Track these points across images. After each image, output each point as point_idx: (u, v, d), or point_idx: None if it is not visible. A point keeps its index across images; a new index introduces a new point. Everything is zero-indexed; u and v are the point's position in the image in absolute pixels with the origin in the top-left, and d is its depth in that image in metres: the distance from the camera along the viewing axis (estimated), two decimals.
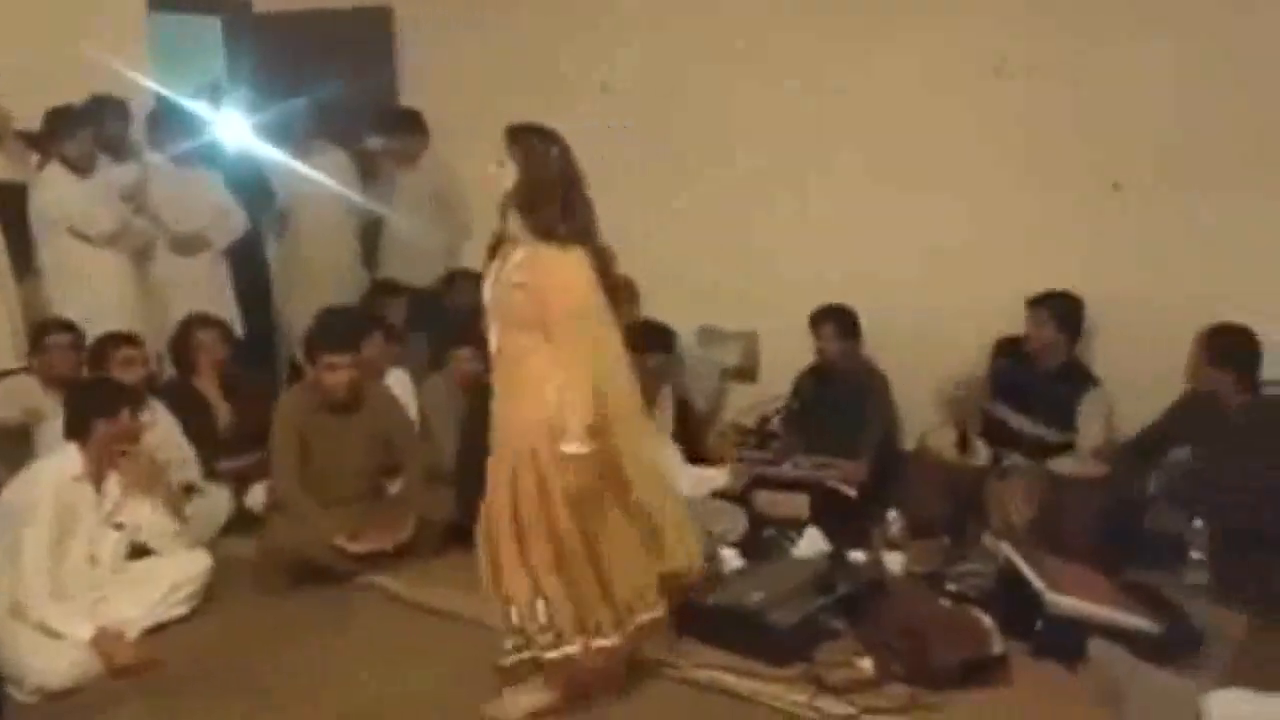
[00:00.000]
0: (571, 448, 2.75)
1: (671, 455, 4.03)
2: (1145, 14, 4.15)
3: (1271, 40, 3.94)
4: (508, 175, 2.81)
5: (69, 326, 4.27)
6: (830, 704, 2.98)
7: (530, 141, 2.83)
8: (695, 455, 4.34)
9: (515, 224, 2.84)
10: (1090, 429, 4.14)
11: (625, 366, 2.94)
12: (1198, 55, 4.06)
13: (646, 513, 2.99)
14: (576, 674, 2.92)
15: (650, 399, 3.91)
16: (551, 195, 2.80)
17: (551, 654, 2.86)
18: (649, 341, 4.14)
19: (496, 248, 2.92)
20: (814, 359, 4.71)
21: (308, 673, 3.26)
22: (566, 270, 2.78)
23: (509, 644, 2.90)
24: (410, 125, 5.50)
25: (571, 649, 2.86)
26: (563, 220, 2.79)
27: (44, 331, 4.23)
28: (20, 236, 4.52)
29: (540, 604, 2.84)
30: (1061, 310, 4.24)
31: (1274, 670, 3.06)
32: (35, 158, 4.63)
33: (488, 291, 2.93)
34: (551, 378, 2.78)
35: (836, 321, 4.61)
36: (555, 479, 2.79)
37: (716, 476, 4.24)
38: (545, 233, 2.79)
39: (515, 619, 2.87)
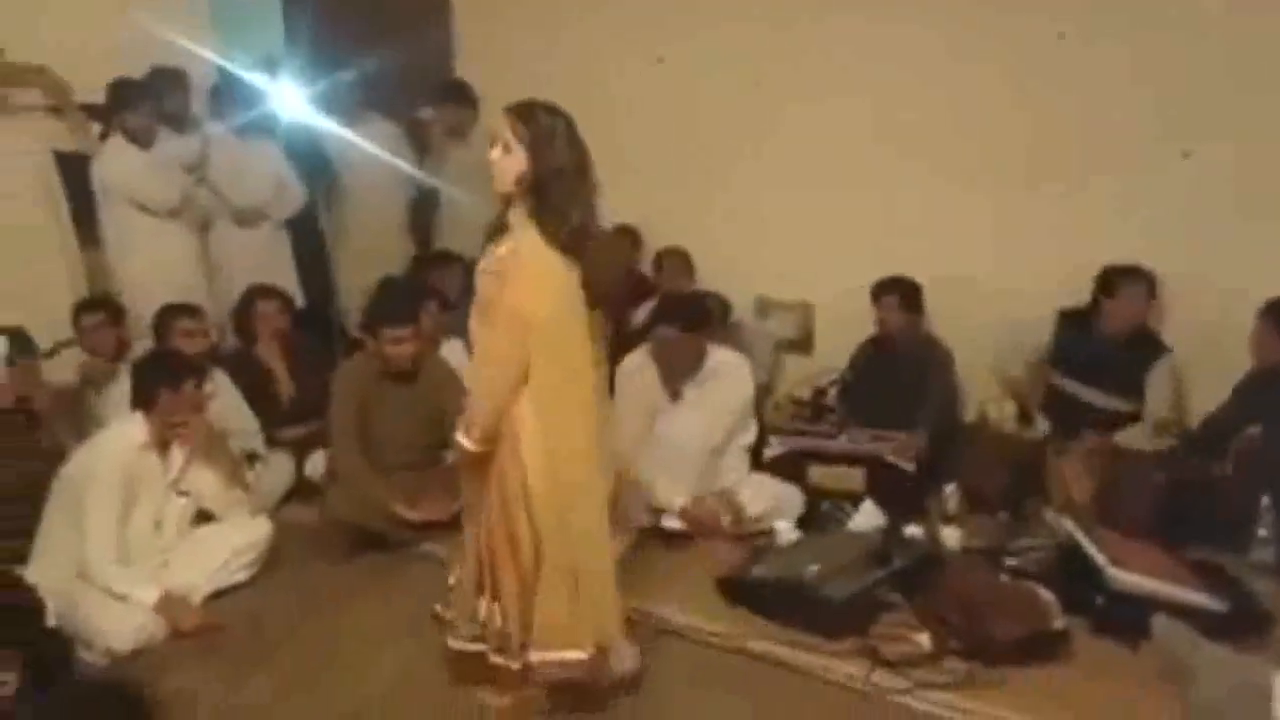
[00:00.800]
0: (463, 439, 2.66)
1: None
2: None
3: None
4: (515, 161, 2.55)
5: (100, 305, 4.28)
6: (885, 678, 2.97)
7: (541, 123, 2.55)
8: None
9: (518, 214, 2.60)
10: (1158, 397, 4.04)
11: (585, 403, 2.63)
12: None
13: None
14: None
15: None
16: (562, 187, 2.54)
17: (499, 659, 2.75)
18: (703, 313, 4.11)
19: (494, 235, 2.67)
20: (874, 331, 4.64)
21: (365, 637, 3.31)
22: (542, 275, 2.54)
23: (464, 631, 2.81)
24: (460, 97, 5.51)
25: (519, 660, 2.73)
26: (567, 220, 2.54)
27: (77, 313, 4.23)
28: (85, 207, 4.60)
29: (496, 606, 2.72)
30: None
31: None
32: (98, 129, 4.69)
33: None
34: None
35: (900, 293, 4.53)
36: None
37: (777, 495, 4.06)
38: (548, 231, 2.54)
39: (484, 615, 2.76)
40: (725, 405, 3.96)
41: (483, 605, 2.75)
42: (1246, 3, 3.95)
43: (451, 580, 2.94)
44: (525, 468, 2.60)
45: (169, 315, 4.24)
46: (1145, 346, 4.11)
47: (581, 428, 2.62)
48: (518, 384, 2.58)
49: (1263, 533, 3.41)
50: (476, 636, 2.79)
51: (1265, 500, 3.44)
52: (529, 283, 2.54)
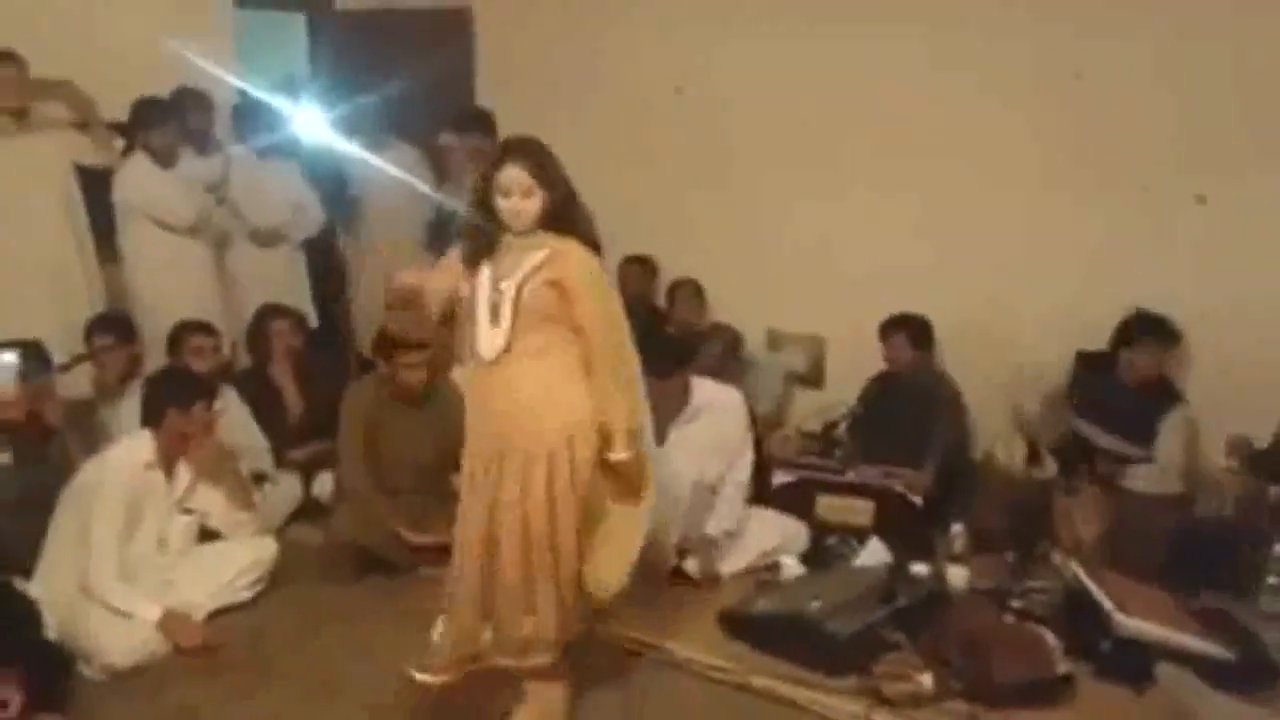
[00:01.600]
0: (619, 454, 2.73)
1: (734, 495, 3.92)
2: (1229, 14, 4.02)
3: None
4: (536, 202, 2.69)
5: (111, 325, 4.26)
6: (886, 717, 2.95)
7: (547, 157, 2.72)
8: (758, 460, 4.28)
9: (534, 239, 2.73)
10: (1168, 448, 4.01)
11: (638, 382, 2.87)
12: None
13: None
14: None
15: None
16: (579, 207, 2.76)
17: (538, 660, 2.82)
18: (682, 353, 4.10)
19: (481, 254, 2.77)
20: (884, 367, 4.64)
21: (366, 660, 3.30)
22: (600, 274, 2.79)
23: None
24: (483, 126, 5.53)
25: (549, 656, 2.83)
26: (595, 233, 2.79)
27: (89, 331, 4.22)
28: (105, 222, 4.64)
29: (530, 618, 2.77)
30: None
31: None
32: (121, 144, 4.75)
33: (486, 292, 2.75)
34: (580, 378, 2.74)
35: (908, 331, 4.53)
36: (565, 484, 2.72)
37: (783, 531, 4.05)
38: (590, 243, 2.76)
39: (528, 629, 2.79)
40: (716, 441, 3.84)
41: (518, 623, 2.78)
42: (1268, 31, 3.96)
43: (436, 635, 2.90)
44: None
45: (183, 331, 4.26)
46: (1160, 394, 4.09)
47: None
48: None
49: (1273, 580, 3.37)
50: (474, 656, 2.82)
51: (1277, 548, 3.40)
52: (604, 287, 2.78)
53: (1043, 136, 4.45)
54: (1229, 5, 4.02)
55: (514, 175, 2.68)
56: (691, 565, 3.82)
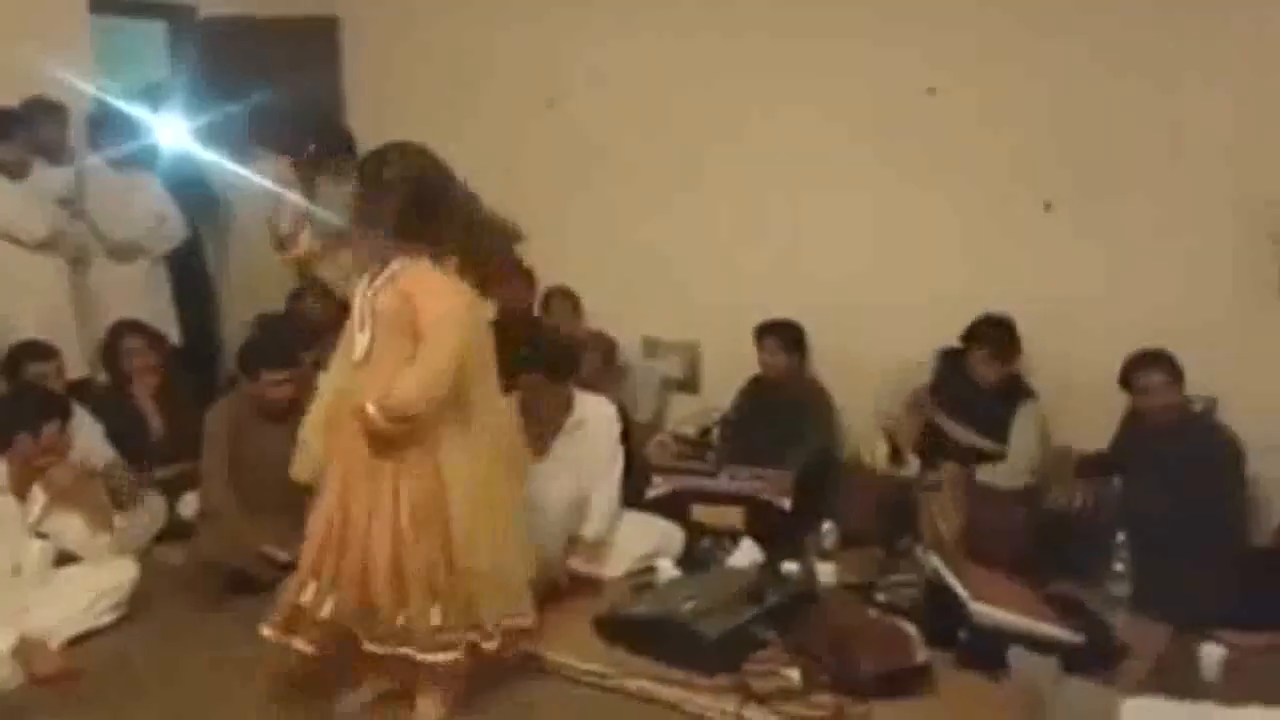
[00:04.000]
0: (371, 410, 2.77)
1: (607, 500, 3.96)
2: (1074, 32, 4.23)
3: (1187, 57, 4.03)
4: (389, 204, 2.84)
5: None
6: (756, 713, 3.02)
7: (385, 172, 2.84)
8: (635, 466, 4.33)
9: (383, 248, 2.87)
10: (1020, 443, 4.18)
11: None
12: (1129, 75, 4.15)
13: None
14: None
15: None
16: (446, 222, 2.87)
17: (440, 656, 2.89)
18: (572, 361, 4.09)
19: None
20: (758, 371, 4.73)
21: (233, 684, 3.23)
22: (443, 282, 2.86)
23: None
24: (346, 144, 5.43)
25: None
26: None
27: None
28: None
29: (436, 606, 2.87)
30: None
31: (1191, 679, 3.14)
32: None
33: (358, 298, 2.92)
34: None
35: (780, 336, 4.64)
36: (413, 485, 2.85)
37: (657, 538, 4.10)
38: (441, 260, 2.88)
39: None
40: (593, 456, 3.90)
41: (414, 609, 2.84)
42: (1114, 49, 4.16)
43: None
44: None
45: (20, 354, 4.12)
46: (1011, 392, 4.26)
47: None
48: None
49: (1118, 567, 3.54)
50: (399, 640, 2.87)
51: (1120, 536, 3.58)
52: (450, 297, 2.82)
53: (900, 146, 4.60)
54: (1074, 27, 4.22)
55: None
56: (577, 562, 3.86)
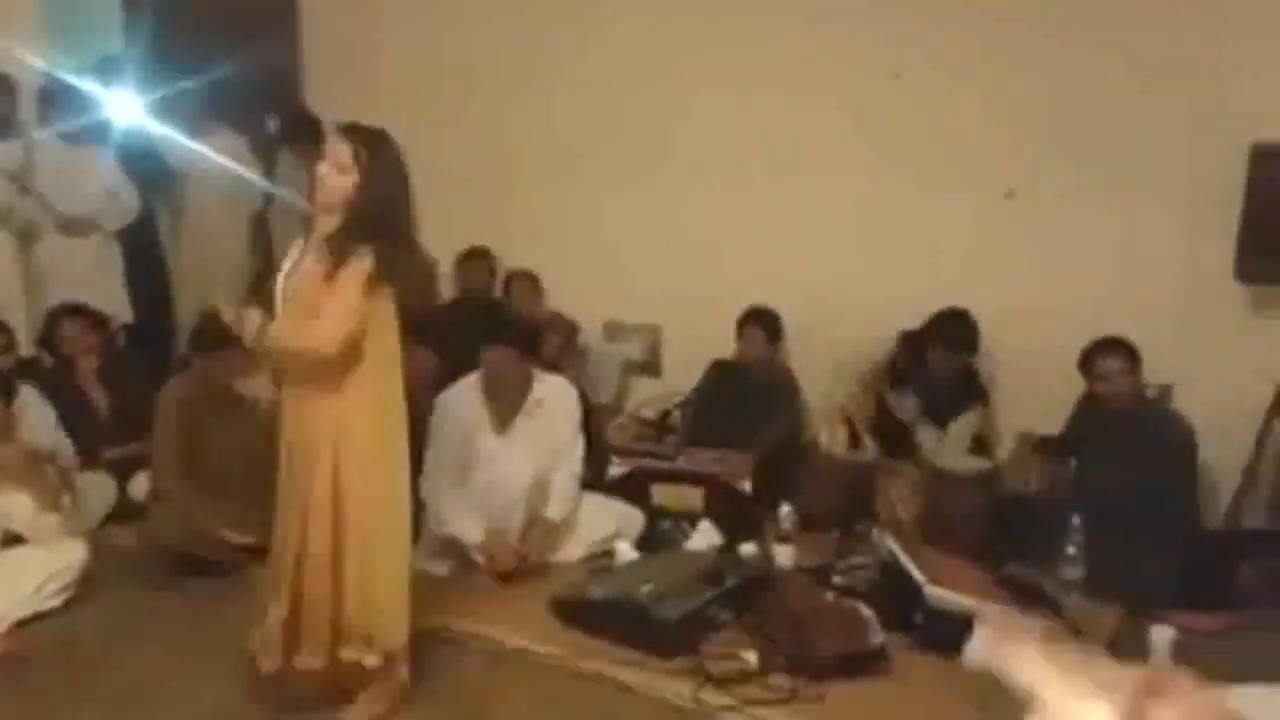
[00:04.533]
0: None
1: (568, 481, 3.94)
2: (1036, 22, 4.23)
3: (1157, 52, 4.06)
4: (345, 182, 2.71)
5: None
6: (713, 695, 3.02)
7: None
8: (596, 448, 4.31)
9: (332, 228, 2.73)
10: (954, 441, 4.28)
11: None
12: (1088, 65, 4.17)
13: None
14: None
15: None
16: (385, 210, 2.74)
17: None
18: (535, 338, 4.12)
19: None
20: (730, 356, 4.70)
21: (185, 668, 3.18)
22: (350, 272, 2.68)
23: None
24: (312, 132, 5.32)
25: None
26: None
27: None
28: None
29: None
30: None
31: (1141, 659, 3.17)
32: None
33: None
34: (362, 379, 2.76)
35: (764, 325, 4.62)
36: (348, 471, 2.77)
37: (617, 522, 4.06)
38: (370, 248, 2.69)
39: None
40: (553, 436, 3.90)
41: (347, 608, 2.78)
42: (1073, 40, 4.18)
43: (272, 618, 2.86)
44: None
45: None
46: (965, 387, 4.31)
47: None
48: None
49: (1071, 550, 3.57)
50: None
51: (1075, 520, 3.61)
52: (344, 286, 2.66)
53: (865, 131, 4.61)
54: (1037, 13, 4.23)
55: (334, 146, 2.74)
56: (533, 545, 3.82)
